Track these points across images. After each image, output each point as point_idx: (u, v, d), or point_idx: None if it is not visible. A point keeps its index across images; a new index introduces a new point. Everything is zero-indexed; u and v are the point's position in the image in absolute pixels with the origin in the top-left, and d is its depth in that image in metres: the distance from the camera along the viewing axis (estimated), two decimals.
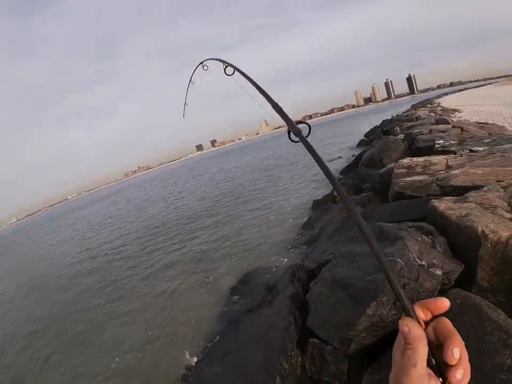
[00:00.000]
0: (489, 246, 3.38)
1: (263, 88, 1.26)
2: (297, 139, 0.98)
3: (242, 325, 5.60)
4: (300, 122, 1.02)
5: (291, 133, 0.99)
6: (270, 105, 1.13)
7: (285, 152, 42.93)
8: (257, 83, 1.33)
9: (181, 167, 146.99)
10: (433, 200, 4.49)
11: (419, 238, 3.72)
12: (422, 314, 0.69)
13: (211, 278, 9.16)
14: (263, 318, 5.12)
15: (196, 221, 16.89)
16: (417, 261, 3.33)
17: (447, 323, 0.68)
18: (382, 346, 3.16)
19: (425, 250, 3.53)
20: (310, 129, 1.05)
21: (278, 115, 1.07)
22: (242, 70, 1.58)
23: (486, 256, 3.40)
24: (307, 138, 0.98)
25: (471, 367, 0.64)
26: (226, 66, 1.67)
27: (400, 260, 3.31)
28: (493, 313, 2.81)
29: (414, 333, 0.64)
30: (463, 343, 0.65)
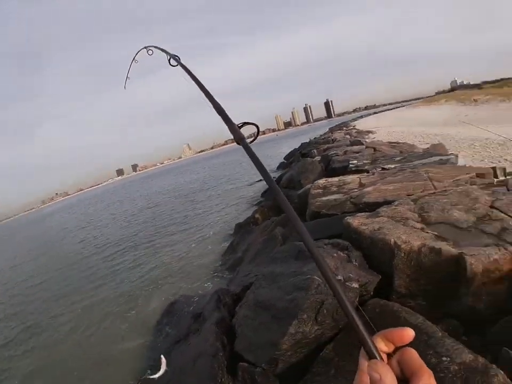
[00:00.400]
0: (402, 255, 3.60)
1: (206, 87, 1.24)
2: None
3: (171, 356, 5.41)
4: (246, 123, 0.97)
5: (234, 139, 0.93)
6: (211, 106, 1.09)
7: (207, 176, 42.96)
8: (199, 80, 1.31)
9: (101, 193, 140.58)
10: (347, 217, 4.72)
11: (335, 254, 3.87)
12: (384, 346, 0.63)
13: (133, 312, 8.71)
14: (192, 347, 5.00)
15: (115, 252, 16.10)
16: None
17: (413, 355, 0.61)
18: (309, 362, 3.19)
19: (341, 265, 3.67)
20: (258, 130, 1.00)
21: (219, 117, 1.01)
22: (182, 64, 1.58)
23: (401, 265, 3.61)
24: (253, 142, 0.93)
25: None
26: (170, 58, 1.68)
27: (317, 277, 3.41)
28: (412, 317, 2.99)
29: (386, 382, 0.57)
30: (432, 375, 0.60)
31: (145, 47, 2.20)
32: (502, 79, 72.13)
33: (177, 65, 1.62)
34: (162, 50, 1.86)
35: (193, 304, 7.63)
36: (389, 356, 0.62)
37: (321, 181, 7.94)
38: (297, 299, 3.39)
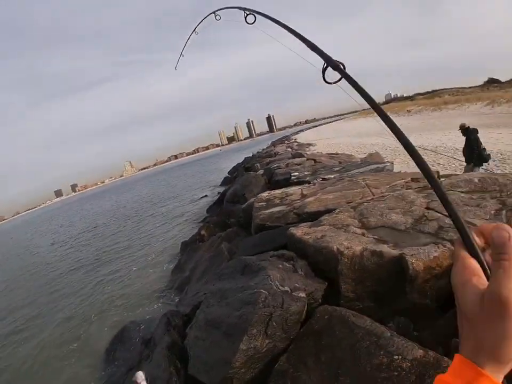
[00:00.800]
0: (346, 261, 3.67)
1: (293, 28, 1.13)
2: (336, 78, 0.83)
3: None
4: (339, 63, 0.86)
5: (327, 69, 0.82)
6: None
7: (150, 194, 42.11)
8: (285, 24, 1.20)
9: (38, 216, 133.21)
10: (291, 228, 4.76)
11: (280, 266, 3.88)
12: (479, 241, 0.60)
13: (79, 343, 8.19)
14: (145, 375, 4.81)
15: (54, 280, 15.16)
16: (280, 287, 3.45)
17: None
18: (265, 376, 3.14)
19: (287, 276, 3.68)
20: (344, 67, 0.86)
21: (312, 55, 0.88)
22: (265, 14, 1.45)
23: (345, 270, 3.67)
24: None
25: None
26: (248, 14, 1.54)
27: (263, 290, 3.38)
28: (359, 320, 3.03)
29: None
30: None
31: (213, 12, 2.08)
32: (432, 91, 76.77)
33: (254, 21, 1.51)
34: (240, 8, 1.68)
35: (143, 330, 7.35)
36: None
37: (264, 194, 7.99)
38: (246, 314, 3.34)
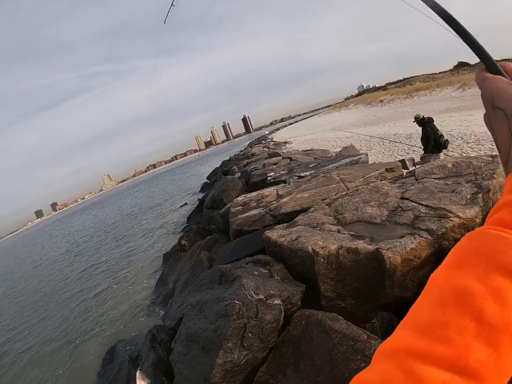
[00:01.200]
0: (322, 261, 3.59)
1: None
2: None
3: None
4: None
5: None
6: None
7: (129, 206, 41.70)
8: None
9: (20, 240, 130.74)
10: (266, 231, 4.66)
11: (256, 272, 3.77)
12: None
13: (66, 367, 7.88)
14: None
15: (37, 303, 14.69)
16: (254, 296, 3.34)
17: None
18: None
19: (263, 283, 3.58)
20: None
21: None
22: None
23: (322, 270, 3.60)
24: None
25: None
26: None
27: (237, 301, 3.26)
28: (336, 324, 2.94)
29: None
30: None
31: None
32: (404, 79, 77.57)
33: None
34: None
35: (131, 348, 7.17)
36: None
37: (240, 198, 7.87)
38: (221, 327, 3.22)
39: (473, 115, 17.41)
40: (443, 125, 16.60)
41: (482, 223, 3.46)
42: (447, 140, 8.21)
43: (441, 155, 8.46)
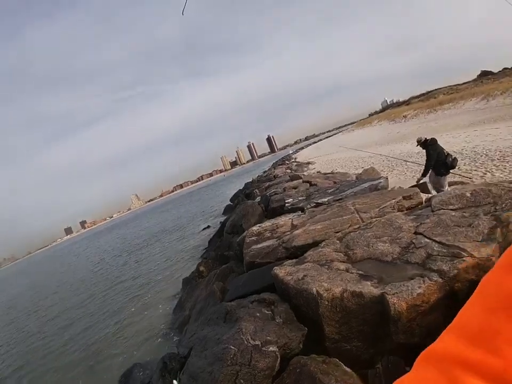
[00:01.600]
0: (326, 303, 3.50)
1: None
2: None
3: None
4: None
5: None
6: None
7: (154, 226, 42.21)
8: None
9: (48, 256, 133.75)
10: (274, 267, 4.60)
11: (258, 314, 3.72)
12: None
13: None
14: None
15: (57, 321, 15.00)
16: (251, 342, 3.29)
17: None
18: None
19: (261, 327, 3.53)
20: None
21: None
22: None
23: (327, 312, 3.51)
24: None
25: None
26: None
27: (233, 347, 3.23)
28: (326, 378, 2.85)
29: None
30: None
31: None
32: (427, 92, 76.67)
33: None
34: None
35: (144, 373, 7.24)
36: None
37: (255, 228, 7.80)
38: (215, 371, 3.19)
39: (498, 128, 17.01)
40: (467, 140, 16.26)
41: None
42: (455, 158, 7.95)
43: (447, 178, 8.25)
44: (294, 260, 4.77)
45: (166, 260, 18.80)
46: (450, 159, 7.90)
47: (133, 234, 49.10)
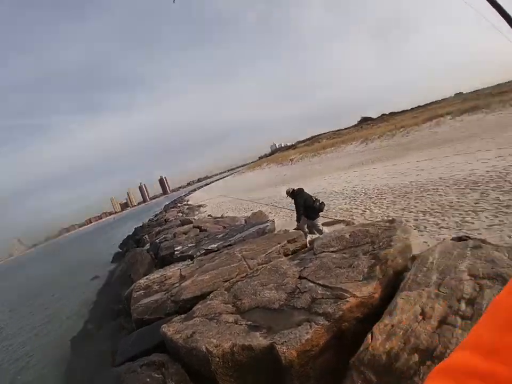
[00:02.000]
0: (218, 360, 3.46)
1: None
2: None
3: None
4: None
5: None
6: None
7: (34, 279, 38.38)
8: None
9: None
10: (163, 325, 4.45)
11: (148, 380, 3.53)
12: None
13: None
14: None
15: None
16: None
17: None
18: None
19: None
20: None
21: None
22: None
23: (219, 369, 3.46)
24: None
25: None
26: None
27: None
28: None
29: None
30: None
31: None
32: (312, 137, 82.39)
33: None
34: None
35: None
36: None
37: (143, 281, 7.50)
38: None
39: (375, 168, 18.87)
40: (348, 180, 17.66)
41: (381, 297, 3.51)
42: (322, 202, 8.60)
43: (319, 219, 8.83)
44: (183, 316, 4.65)
45: (45, 324, 15.19)
46: (318, 203, 8.53)
47: (6, 288, 43.69)
